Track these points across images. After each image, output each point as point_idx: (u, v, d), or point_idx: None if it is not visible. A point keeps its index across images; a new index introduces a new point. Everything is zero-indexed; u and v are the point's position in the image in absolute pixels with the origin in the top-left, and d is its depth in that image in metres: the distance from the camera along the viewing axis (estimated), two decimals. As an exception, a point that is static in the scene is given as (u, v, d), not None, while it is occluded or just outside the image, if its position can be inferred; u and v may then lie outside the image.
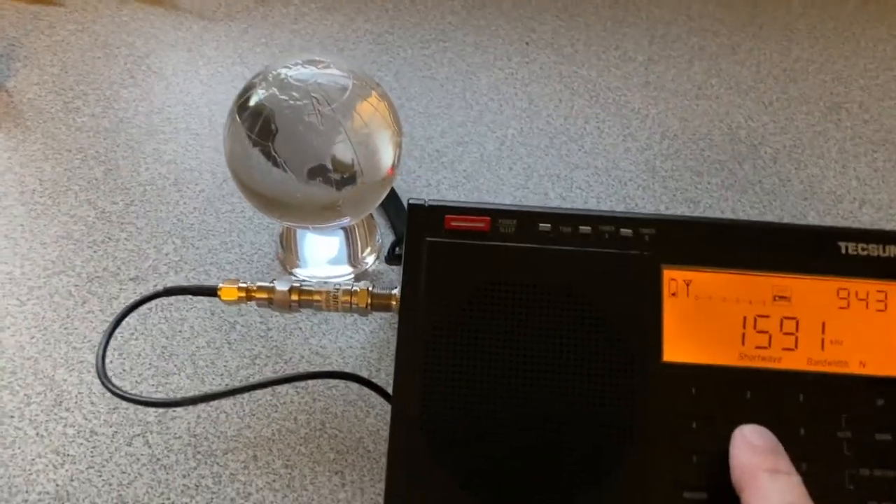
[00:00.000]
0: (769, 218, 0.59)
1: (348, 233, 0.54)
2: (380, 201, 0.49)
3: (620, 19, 0.74)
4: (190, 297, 0.52)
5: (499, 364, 0.39)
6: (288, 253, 0.55)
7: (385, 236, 0.57)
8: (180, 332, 0.51)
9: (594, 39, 0.72)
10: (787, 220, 0.59)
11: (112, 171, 0.60)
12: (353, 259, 0.55)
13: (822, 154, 0.63)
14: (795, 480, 0.34)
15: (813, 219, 0.59)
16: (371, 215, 0.57)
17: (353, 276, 0.55)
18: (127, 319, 0.45)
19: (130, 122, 0.63)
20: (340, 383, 0.49)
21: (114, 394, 0.39)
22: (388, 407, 0.48)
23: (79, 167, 0.60)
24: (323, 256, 0.55)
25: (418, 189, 0.60)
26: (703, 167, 0.62)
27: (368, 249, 0.56)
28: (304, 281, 0.45)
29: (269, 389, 0.49)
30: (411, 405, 0.38)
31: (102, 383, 0.39)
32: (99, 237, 0.56)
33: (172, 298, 0.53)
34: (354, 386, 0.49)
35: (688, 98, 0.67)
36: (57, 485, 0.45)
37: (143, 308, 0.51)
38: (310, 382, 0.49)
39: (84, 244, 0.56)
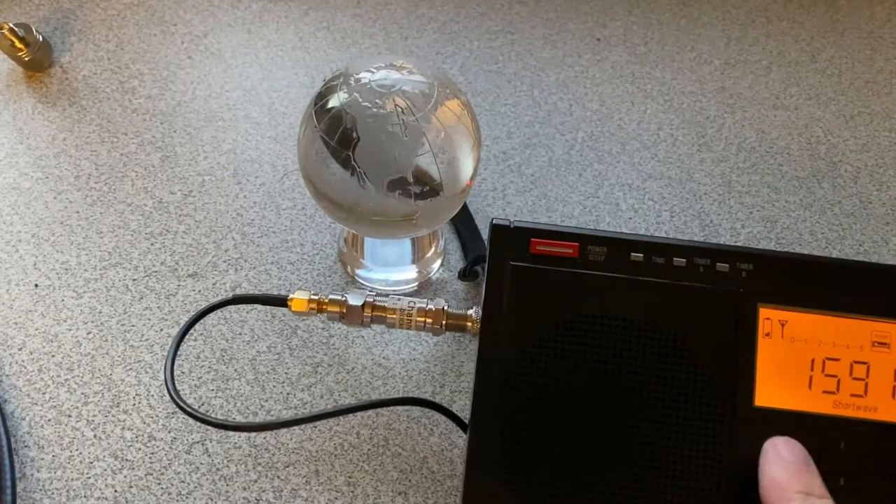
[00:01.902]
0: (849, 242, 0.56)
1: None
2: (455, 213, 0.47)
3: (695, 18, 0.70)
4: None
5: (582, 399, 0.37)
6: (352, 252, 0.53)
7: (449, 241, 0.55)
8: (240, 335, 0.50)
9: (668, 39, 0.69)
10: (867, 244, 0.56)
11: (169, 159, 0.58)
12: (418, 263, 0.53)
13: (905, 175, 0.61)
14: None
15: (895, 245, 0.56)
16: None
17: (417, 282, 0.53)
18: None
19: (188, 107, 0.61)
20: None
21: (189, 415, 0.38)
22: (452, 425, 0.47)
23: (135, 152, 0.58)
24: (388, 259, 0.53)
25: (484, 193, 0.58)
26: (781, 183, 0.59)
27: (432, 252, 0.54)
28: (376, 295, 0.43)
29: (329, 400, 0.48)
30: (490, 438, 0.37)
31: (175, 402, 0.38)
32: (156, 228, 0.54)
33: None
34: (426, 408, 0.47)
35: (765, 107, 0.64)
36: (115, 491, 0.44)
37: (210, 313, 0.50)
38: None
39: (141, 235, 0.54)
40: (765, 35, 0.70)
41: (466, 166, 0.44)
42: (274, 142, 0.59)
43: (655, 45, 0.68)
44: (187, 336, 0.49)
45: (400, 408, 0.47)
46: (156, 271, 0.52)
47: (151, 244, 0.54)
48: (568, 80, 0.65)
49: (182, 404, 0.38)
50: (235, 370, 0.48)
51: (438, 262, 0.54)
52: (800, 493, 0.33)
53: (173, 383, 0.39)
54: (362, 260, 0.53)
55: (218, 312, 0.50)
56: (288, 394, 0.48)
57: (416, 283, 0.53)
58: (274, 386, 0.48)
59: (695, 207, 0.57)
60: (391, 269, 0.53)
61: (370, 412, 0.47)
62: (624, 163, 0.60)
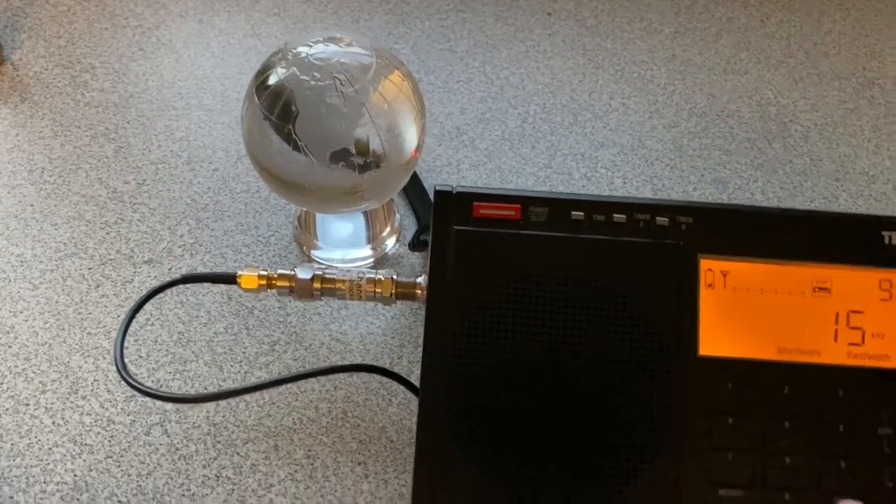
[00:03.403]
0: (800, 199, 0.57)
1: (368, 214, 0.53)
2: (402, 185, 0.48)
3: (645, -11, 0.71)
4: (207, 281, 0.51)
5: (529, 357, 0.38)
6: (306, 234, 0.54)
7: (405, 217, 0.56)
8: (197, 317, 0.50)
9: (618, 10, 0.69)
10: (818, 201, 0.57)
11: (123, 149, 0.58)
12: (373, 241, 0.54)
13: (854, 133, 0.61)
14: None
15: (845, 201, 0.57)
16: (390, 196, 0.55)
17: (373, 259, 0.53)
18: (142, 304, 0.44)
19: (140, 98, 0.61)
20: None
21: (136, 390, 0.38)
22: (410, 395, 0.47)
23: (88, 145, 0.58)
24: (342, 238, 0.54)
25: (438, 168, 0.58)
26: (732, 146, 0.60)
27: (388, 230, 0.54)
28: (326, 268, 0.44)
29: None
30: (439, 399, 0.37)
31: (124, 379, 0.38)
32: (111, 218, 0.54)
33: (188, 282, 0.51)
34: (376, 374, 0.48)
35: (715, 73, 0.65)
36: (75, 475, 0.44)
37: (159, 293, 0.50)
38: (331, 370, 0.48)
39: (96, 225, 0.54)
40: (714, 2, 0.70)
41: (410, 137, 0.45)
42: (227, 128, 0.59)
43: (605, 17, 0.69)
44: (144, 321, 0.50)
45: (358, 380, 0.48)
46: (111, 259, 0.52)
47: (107, 233, 0.54)
48: (520, 55, 0.66)
49: (130, 380, 0.38)
50: (193, 352, 0.49)
51: (394, 238, 0.54)
52: None
53: (122, 362, 0.39)
54: (316, 240, 0.53)
55: (174, 296, 0.51)
56: (246, 372, 0.48)
57: (371, 260, 0.53)
58: (231, 366, 0.48)
59: (647, 173, 0.58)
60: (346, 247, 0.54)
61: (328, 386, 0.47)
62: (576, 133, 0.60)
